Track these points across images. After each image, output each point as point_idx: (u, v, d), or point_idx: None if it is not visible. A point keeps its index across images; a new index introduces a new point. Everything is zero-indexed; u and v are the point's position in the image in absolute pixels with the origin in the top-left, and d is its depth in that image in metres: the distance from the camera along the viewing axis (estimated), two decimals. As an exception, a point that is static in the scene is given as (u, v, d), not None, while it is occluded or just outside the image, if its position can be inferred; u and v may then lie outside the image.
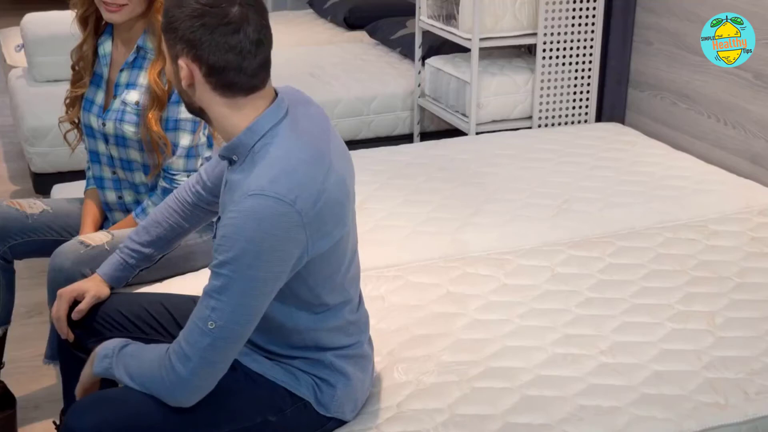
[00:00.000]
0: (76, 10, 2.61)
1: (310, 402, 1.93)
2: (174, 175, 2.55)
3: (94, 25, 2.60)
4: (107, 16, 2.50)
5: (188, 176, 2.53)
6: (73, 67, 2.67)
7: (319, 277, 1.86)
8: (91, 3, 2.54)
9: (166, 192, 2.54)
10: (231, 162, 1.85)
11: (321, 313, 1.91)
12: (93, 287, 2.11)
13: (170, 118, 2.50)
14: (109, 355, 1.90)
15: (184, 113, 2.48)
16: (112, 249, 2.43)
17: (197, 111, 1.86)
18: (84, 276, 2.35)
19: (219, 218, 1.85)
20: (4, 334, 2.73)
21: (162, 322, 2.10)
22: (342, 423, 1.99)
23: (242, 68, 1.76)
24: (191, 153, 2.54)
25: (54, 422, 2.50)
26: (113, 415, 1.81)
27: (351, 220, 1.92)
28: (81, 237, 2.48)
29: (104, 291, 2.12)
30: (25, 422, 2.75)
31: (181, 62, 1.78)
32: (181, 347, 1.78)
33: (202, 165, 2.57)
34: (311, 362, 1.94)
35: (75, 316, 2.07)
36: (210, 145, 2.63)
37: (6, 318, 2.72)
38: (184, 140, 2.52)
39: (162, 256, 2.25)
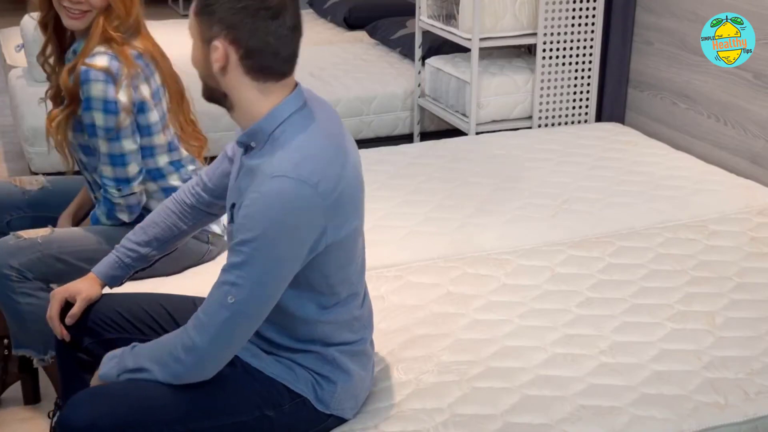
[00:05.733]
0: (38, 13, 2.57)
1: (309, 399, 1.93)
2: (106, 184, 2.49)
3: (54, 28, 2.55)
4: (68, 23, 2.46)
5: (118, 189, 2.47)
6: (43, 69, 2.63)
7: (334, 266, 1.89)
8: (50, 8, 2.50)
9: (106, 202, 2.51)
10: (248, 148, 1.86)
11: (331, 307, 1.93)
12: (85, 289, 2.11)
13: (87, 123, 2.45)
14: (117, 355, 1.92)
15: (98, 119, 2.42)
16: (44, 242, 2.46)
17: (219, 96, 1.86)
18: (11, 267, 2.41)
19: (234, 204, 1.86)
20: None
21: (161, 322, 2.10)
22: (342, 421, 1.99)
23: (278, 53, 1.80)
24: (117, 161, 2.46)
25: (48, 414, 2.50)
26: (110, 409, 1.82)
27: (362, 212, 1.95)
28: (20, 232, 2.49)
29: (96, 292, 2.12)
30: (24, 421, 2.75)
31: (217, 43, 1.79)
32: (199, 320, 1.81)
33: (142, 172, 2.52)
34: (314, 357, 1.95)
35: (68, 321, 2.07)
36: (171, 149, 2.57)
37: None
38: (102, 147, 2.46)
39: (160, 257, 2.25)
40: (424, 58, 4.41)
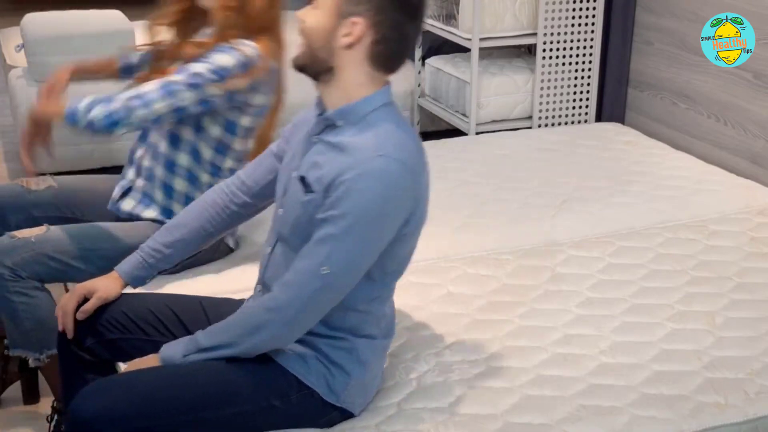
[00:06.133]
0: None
1: (318, 391, 1.94)
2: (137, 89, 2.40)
3: (189, 8, 2.56)
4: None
5: (124, 98, 2.35)
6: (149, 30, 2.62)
7: (394, 257, 1.93)
8: None
9: (106, 97, 2.37)
10: (329, 126, 1.91)
11: (373, 299, 1.97)
12: (102, 287, 2.10)
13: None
14: (183, 341, 1.93)
15: (199, 68, 2.39)
16: (38, 241, 2.46)
17: (322, 69, 1.89)
18: (4, 266, 2.41)
19: (303, 177, 1.90)
20: None
21: (167, 324, 2.10)
22: (345, 417, 2.00)
23: (403, 50, 1.90)
24: (162, 89, 2.37)
25: (47, 418, 2.50)
26: (119, 400, 1.83)
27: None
28: (14, 232, 2.50)
29: (113, 292, 2.11)
30: (25, 421, 2.75)
31: (357, 20, 1.84)
32: (290, 287, 1.85)
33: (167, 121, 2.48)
34: (336, 344, 1.96)
35: (79, 316, 2.07)
36: (239, 159, 2.57)
37: None
38: (171, 75, 2.42)
39: (184, 259, 2.26)
40: (424, 58, 4.40)
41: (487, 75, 4.02)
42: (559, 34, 3.98)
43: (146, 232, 2.43)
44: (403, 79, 4.53)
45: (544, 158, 3.53)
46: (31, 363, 2.58)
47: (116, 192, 2.66)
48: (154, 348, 1.99)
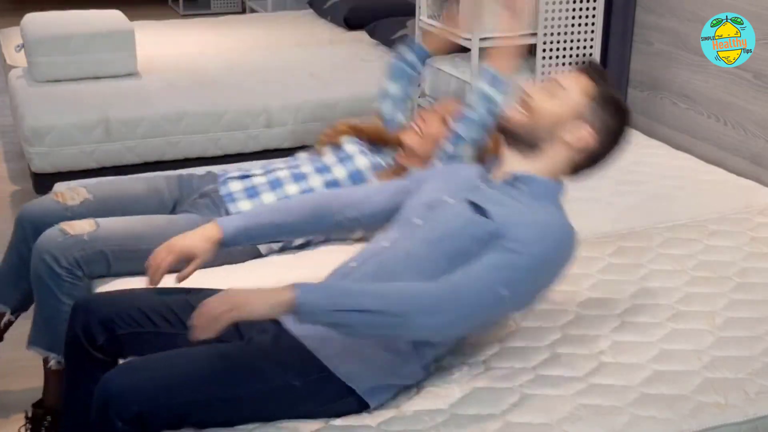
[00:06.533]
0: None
1: (337, 374, 1.94)
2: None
3: None
4: (403, 160, 2.77)
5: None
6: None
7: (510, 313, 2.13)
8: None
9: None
10: (507, 182, 2.09)
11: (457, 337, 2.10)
12: (201, 252, 2.09)
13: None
14: (324, 288, 1.90)
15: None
16: (90, 239, 2.42)
17: (529, 141, 2.09)
18: (61, 266, 2.38)
19: (473, 202, 2.04)
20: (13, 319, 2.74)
21: (181, 316, 2.08)
22: (361, 407, 1.99)
23: (596, 170, 2.19)
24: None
25: (19, 429, 2.48)
26: (144, 377, 1.85)
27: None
28: (63, 225, 2.45)
29: (209, 257, 2.11)
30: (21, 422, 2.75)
31: (589, 129, 2.09)
32: (463, 293, 1.88)
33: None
34: (389, 343, 1.99)
35: (177, 280, 2.08)
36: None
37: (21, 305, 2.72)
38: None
39: (257, 243, 2.28)
40: (424, 58, 4.40)
41: (487, 75, 4.02)
42: (559, 34, 3.98)
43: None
44: (403, 79, 4.53)
45: (544, 158, 3.53)
46: (54, 366, 2.54)
47: (234, 171, 2.73)
48: (166, 341, 2.00)
